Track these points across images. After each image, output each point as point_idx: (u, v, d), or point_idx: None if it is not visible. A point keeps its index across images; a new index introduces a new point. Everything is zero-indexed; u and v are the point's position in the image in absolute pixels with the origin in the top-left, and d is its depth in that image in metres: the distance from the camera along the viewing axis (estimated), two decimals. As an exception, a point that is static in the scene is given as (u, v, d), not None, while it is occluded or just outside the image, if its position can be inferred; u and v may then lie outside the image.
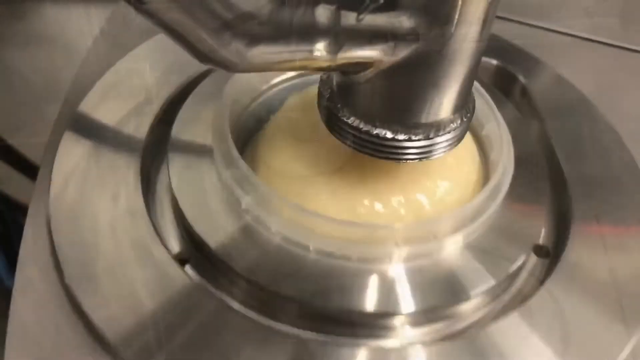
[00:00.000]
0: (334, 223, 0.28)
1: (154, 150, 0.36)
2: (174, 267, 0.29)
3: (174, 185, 0.32)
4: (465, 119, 0.28)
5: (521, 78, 0.43)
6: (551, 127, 0.39)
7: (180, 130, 0.35)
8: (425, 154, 0.28)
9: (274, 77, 0.39)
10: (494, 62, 0.44)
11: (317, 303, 0.28)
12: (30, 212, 0.33)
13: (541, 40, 0.49)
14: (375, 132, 0.27)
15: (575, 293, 0.30)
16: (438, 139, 0.27)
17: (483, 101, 0.35)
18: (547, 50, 0.47)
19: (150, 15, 0.21)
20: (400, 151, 0.27)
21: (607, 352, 0.28)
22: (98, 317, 0.27)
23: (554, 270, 0.31)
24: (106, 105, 0.37)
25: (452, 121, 0.27)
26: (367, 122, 0.27)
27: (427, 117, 0.27)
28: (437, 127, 0.27)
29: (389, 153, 0.28)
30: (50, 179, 0.33)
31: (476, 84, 0.34)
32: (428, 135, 0.27)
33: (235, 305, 0.29)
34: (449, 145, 0.28)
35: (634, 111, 0.43)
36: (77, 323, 0.28)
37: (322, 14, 0.23)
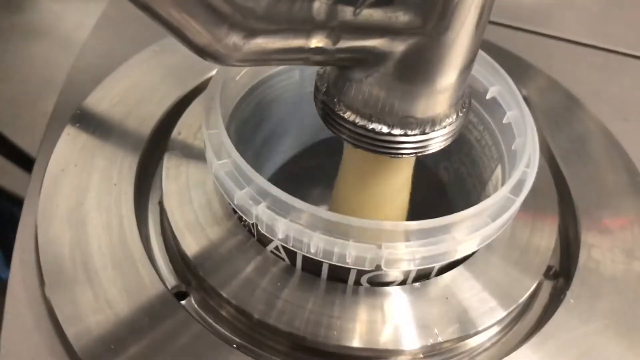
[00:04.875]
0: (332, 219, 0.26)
1: (153, 153, 0.36)
2: (157, 283, 0.29)
3: (164, 197, 0.32)
4: (460, 114, 0.28)
5: (520, 87, 0.43)
6: (550, 135, 0.39)
7: (180, 132, 0.35)
8: (421, 149, 0.28)
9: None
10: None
11: (306, 337, 0.27)
12: (25, 204, 0.33)
13: (536, 46, 0.50)
14: (371, 127, 0.27)
15: (588, 319, 0.29)
16: (434, 134, 0.27)
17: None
18: (543, 55, 0.47)
19: (146, 8, 0.21)
20: (395, 146, 0.27)
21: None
22: (72, 331, 0.27)
23: (564, 294, 0.31)
24: (111, 104, 0.37)
25: (447, 116, 0.27)
26: (363, 117, 0.27)
27: (423, 112, 0.27)
28: (433, 122, 0.27)
29: (385, 148, 0.27)
30: (43, 177, 0.33)
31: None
32: (424, 130, 0.27)
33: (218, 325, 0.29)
34: (445, 140, 0.28)
35: (630, 115, 0.44)
36: (52, 334, 0.28)
37: (319, 8, 0.23)
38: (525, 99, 0.42)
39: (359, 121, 0.27)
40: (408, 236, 0.26)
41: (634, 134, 0.40)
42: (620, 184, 0.37)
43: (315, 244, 0.26)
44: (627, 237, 0.34)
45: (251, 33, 0.22)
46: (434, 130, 0.27)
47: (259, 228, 0.28)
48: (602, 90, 0.45)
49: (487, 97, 0.33)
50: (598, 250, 0.33)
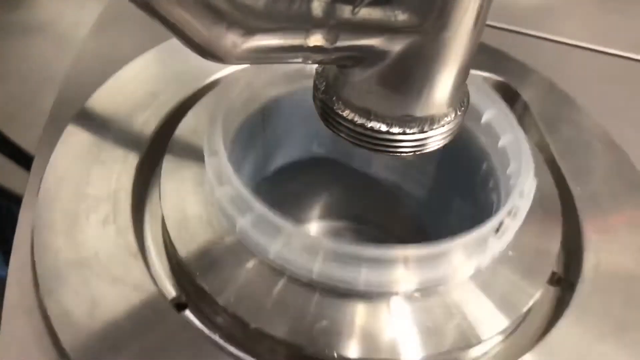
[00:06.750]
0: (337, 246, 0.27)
1: (153, 156, 0.36)
2: (149, 286, 0.29)
3: (162, 204, 0.32)
4: (459, 113, 0.28)
5: (519, 91, 0.43)
6: (553, 143, 0.39)
7: (180, 138, 0.35)
8: (419, 147, 0.28)
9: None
10: (486, 74, 0.44)
11: (308, 348, 0.27)
12: (24, 202, 0.33)
13: (535, 48, 0.49)
14: (369, 126, 0.27)
15: (591, 327, 0.29)
16: (432, 133, 0.27)
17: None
18: (541, 58, 0.47)
19: (145, 6, 0.21)
20: (394, 144, 0.27)
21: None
22: (66, 336, 0.27)
23: (569, 302, 0.30)
24: (113, 105, 0.37)
25: (446, 115, 0.28)
26: (362, 115, 0.27)
27: (421, 111, 0.27)
28: (432, 121, 0.27)
29: (384, 146, 0.28)
30: (41, 179, 0.33)
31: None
32: (422, 129, 0.27)
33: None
34: (443, 138, 0.28)
35: (631, 118, 0.43)
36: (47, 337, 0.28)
37: (318, 6, 0.23)
38: (525, 103, 0.42)
39: (358, 119, 0.27)
40: (407, 262, 0.27)
41: (634, 136, 0.40)
42: (621, 186, 0.36)
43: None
44: (634, 240, 0.33)
45: (250, 31, 0.22)
46: (432, 129, 0.27)
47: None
48: (601, 92, 0.45)
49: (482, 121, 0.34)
50: (602, 262, 0.32)
